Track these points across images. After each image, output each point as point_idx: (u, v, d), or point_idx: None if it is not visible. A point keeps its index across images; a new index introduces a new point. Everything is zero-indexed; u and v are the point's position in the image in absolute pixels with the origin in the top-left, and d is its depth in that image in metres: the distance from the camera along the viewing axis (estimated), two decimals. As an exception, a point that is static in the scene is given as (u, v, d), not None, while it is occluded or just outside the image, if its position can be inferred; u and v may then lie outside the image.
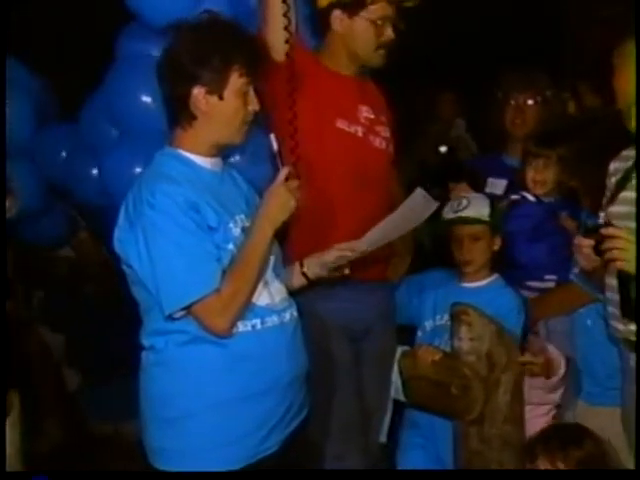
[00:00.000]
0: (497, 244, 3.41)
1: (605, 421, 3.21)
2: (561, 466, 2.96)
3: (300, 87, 2.97)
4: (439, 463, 3.34)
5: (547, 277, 3.55)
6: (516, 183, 3.71)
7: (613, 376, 3.23)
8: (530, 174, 3.59)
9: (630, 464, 2.97)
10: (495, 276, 3.43)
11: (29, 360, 4.58)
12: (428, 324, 3.43)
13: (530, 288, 3.56)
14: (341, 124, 3.12)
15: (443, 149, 6.39)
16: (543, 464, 2.99)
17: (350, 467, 3.07)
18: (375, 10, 3.10)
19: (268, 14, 2.99)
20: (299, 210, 2.55)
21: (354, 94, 3.20)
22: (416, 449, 3.41)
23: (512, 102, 4.02)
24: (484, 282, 3.42)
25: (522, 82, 4.06)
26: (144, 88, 3.25)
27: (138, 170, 3.17)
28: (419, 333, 3.46)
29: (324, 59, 3.20)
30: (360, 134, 3.17)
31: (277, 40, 2.93)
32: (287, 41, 2.95)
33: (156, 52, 3.15)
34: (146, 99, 3.29)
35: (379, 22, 3.11)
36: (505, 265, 3.48)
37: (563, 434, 3.02)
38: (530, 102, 4.01)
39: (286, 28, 2.94)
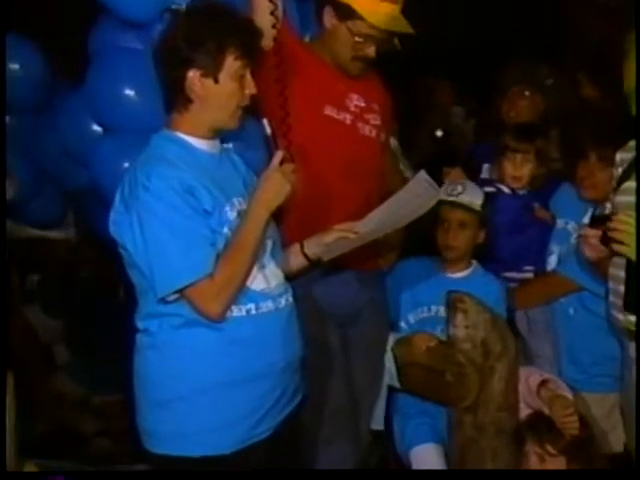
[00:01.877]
0: (481, 237, 3.42)
1: (591, 407, 3.28)
2: (550, 449, 2.98)
3: (289, 73, 2.95)
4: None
5: (525, 268, 3.58)
6: (491, 175, 3.73)
7: (598, 363, 3.36)
8: (508, 169, 3.61)
9: (619, 447, 3.02)
10: (475, 265, 3.45)
11: (15, 344, 4.59)
12: (412, 316, 3.44)
13: (508, 279, 3.58)
14: (329, 111, 3.11)
15: (439, 133, 6.38)
16: (532, 448, 3.01)
17: (338, 451, 3.08)
18: (360, 26, 3.04)
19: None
20: (294, 194, 2.54)
21: (345, 82, 3.18)
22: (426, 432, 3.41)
23: (508, 94, 4.04)
24: (467, 272, 3.44)
25: (518, 74, 4.08)
26: (125, 81, 3.22)
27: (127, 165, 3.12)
28: (403, 325, 3.46)
29: (316, 47, 3.18)
30: (348, 122, 3.15)
31: (264, 25, 2.86)
32: (274, 26, 2.92)
33: (133, 44, 3.17)
34: (128, 92, 3.23)
35: (359, 38, 3.06)
36: (484, 258, 3.49)
37: (550, 417, 3.04)
38: (526, 94, 4.03)
39: (272, 13, 2.90)
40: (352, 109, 3.17)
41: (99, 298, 4.76)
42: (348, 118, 3.15)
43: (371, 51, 3.09)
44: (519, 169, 3.59)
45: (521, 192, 3.62)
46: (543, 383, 3.14)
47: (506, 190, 3.61)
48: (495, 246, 3.50)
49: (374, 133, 3.23)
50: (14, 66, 3.88)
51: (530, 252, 3.57)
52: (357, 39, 3.06)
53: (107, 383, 4.62)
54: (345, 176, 3.11)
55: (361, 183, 3.15)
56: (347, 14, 3.05)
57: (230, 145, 2.79)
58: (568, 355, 3.48)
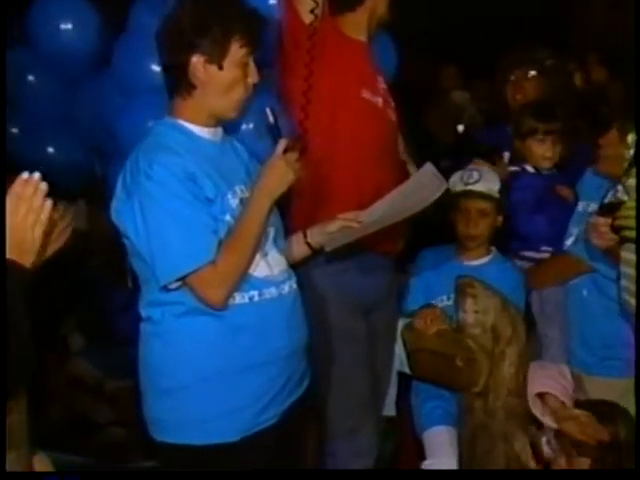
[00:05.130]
0: (500, 221, 3.40)
1: (600, 391, 3.26)
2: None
3: (323, 56, 2.95)
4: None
5: (543, 248, 3.55)
6: (515, 155, 3.69)
7: (609, 346, 3.33)
8: (539, 151, 3.56)
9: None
10: (494, 251, 3.44)
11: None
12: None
13: (526, 258, 3.57)
14: (366, 94, 3.09)
15: (460, 128, 6.38)
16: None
17: (363, 440, 3.09)
18: None
19: None
20: (298, 182, 2.53)
21: (373, 63, 3.17)
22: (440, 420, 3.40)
23: (512, 78, 4.02)
24: (485, 259, 3.43)
25: (520, 57, 4.06)
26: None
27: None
28: None
29: (344, 24, 3.14)
30: (380, 105, 3.14)
31: (305, 7, 2.92)
32: (312, 10, 2.92)
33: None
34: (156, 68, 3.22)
35: None
36: (504, 236, 3.47)
37: (599, 409, 3.00)
38: (530, 76, 4.01)
39: None
40: (381, 92, 3.16)
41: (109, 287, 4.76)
42: (380, 101, 3.13)
43: None
44: (550, 149, 3.55)
45: (545, 172, 3.59)
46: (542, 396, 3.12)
47: (530, 170, 3.58)
48: (516, 224, 3.48)
49: (395, 117, 3.23)
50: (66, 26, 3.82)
51: (549, 232, 3.53)
52: None
53: (122, 369, 4.62)
54: (380, 161, 3.10)
55: (392, 168, 3.15)
56: None
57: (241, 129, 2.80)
58: (579, 337, 3.46)
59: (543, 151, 3.56)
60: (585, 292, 3.43)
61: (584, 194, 3.49)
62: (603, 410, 3.05)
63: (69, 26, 3.73)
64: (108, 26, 3.76)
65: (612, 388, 3.22)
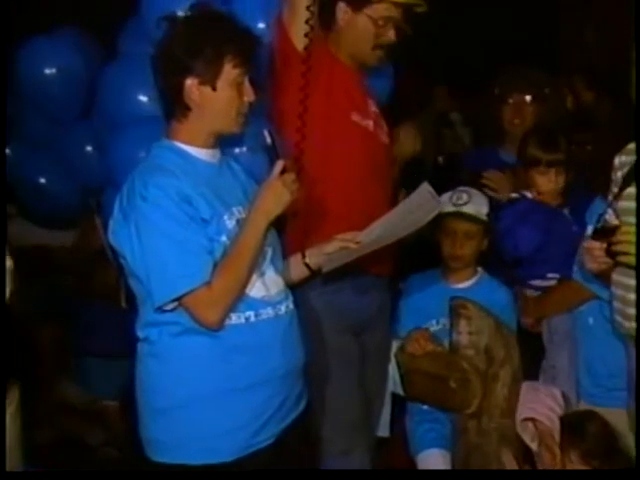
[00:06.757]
0: (485, 245, 3.40)
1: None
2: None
3: (314, 79, 2.94)
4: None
5: (550, 275, 3.50)
6: (517, 183, 3.64)
7: (615, 376, 3.20)
8: (540, 182, 3.47)
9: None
10: (481, 272, 3.43)
11: (38, 352, 4.57)
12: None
13: (533, 287, 3.54)
14: (355, 117, 3.10)
15: (440, 159, 6.41)
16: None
17: (355, 461, 3.08)
18: (379, 9, 3.07)
19: (293, 2, 2.96)
20: (295, 204, 2.54)
21: (363, 87, 3.18)
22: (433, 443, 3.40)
23: (510, 101, 4.01)
24: (472, 281, 3.43)
25: (521, 81, 4.04)
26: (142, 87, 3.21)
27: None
28: None
29: (333, 49, 3.16)
30: (371, 128, 3.15)
31: (298, 31, 2.92)
32: (306, 35, 2.92)
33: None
34: (143, 98, 3.21)
35: (380, 22, 3.07)
36: (507, 263, 3.46)
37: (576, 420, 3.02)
38: (529, 101, 3.99)
39: (307, 22, 2.91)
40: (372, 115, 3.17)
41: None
42: (370, 124, 3.15)
43: (391, 34, 3.11)
44: (553, 181, 3.46)
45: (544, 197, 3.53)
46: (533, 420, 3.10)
47: (529, 195, 3.52)
48: (518, 248, 3.44)
49: (387, 140, 3.24)
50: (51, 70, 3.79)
51: (555, 258, 3.46)
52: (380, 23, 3.06)
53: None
54: (370, 183, 3.11)
55: (383, 190, 3.16)
56: (362, 3, 3.06)
57: (235, 150, 2.80)
58: (585, 366, 3.37)
59: (545, 183, 3.47)
60: (591, 320, 3.34)
61: (590, 220, 3.44)
62: (578, 420, 3.05)
63: (54, 70, 3.73)
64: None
65: (621, 419, 3.07)
